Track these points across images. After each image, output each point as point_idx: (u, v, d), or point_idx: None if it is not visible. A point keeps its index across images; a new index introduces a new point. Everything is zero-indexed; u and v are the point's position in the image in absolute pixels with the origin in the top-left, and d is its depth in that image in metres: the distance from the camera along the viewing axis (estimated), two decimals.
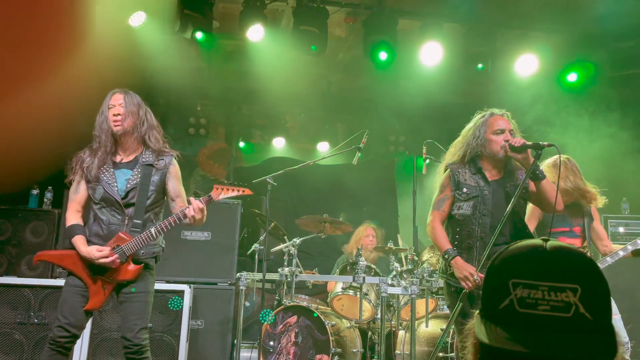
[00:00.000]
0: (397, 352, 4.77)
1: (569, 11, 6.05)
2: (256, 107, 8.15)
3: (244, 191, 3.10)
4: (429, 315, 4.63)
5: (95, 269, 3.20)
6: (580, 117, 6.03)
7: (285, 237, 5.39)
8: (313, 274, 5.60)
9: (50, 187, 5.30)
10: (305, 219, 5.46)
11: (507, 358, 0.88)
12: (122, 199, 3.24)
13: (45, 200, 5.28)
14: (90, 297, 3.20)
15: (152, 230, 3.18)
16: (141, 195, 3.24)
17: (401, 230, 7.76)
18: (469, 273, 3.08)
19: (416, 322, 4.52)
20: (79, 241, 3.21)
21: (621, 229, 5.46)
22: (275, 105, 7.85)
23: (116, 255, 3.14)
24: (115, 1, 5.41)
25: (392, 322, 5.00)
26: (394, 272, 4.83)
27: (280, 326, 4.71)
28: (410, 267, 4.89)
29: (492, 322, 0.93)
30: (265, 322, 4.61)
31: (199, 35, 5.66)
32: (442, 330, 4.59)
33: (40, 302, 4.57)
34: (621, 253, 3.88)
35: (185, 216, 3.18)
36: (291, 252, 5.06)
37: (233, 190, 3.07)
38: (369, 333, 5.04)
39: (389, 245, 5.23)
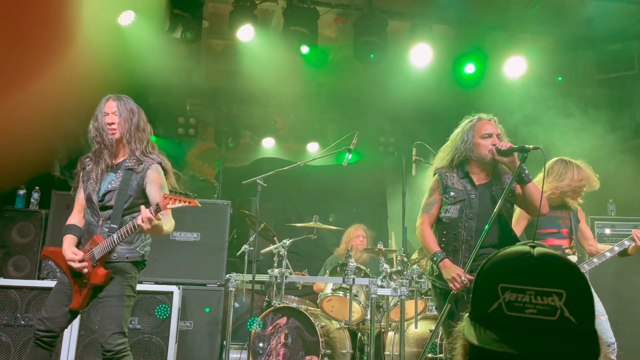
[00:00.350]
0: (387, 353, 4.78)
1: (558, 14, 6.11)
2: (246, 107, 8.13)
3: (190, 202, 3.08)
4: (418, 317, 4.65)
5: (74, 270, 3.24)
6: (568, 119, 6.08)
7: (275, 238, 5.39)
8: (303, 275, 5.60)
9: (37, 188, 5.25)
10: (295, 225, 5.46)
11: (496, 359, 0.91)
12: (99, 201, 3.29)
13: (32, 200, 5.23)
14: (72, 296, 3.24)
15: (115, 236, 3.18)
16: (119, 199, 3.27)
17: (390, 231, 7.78)
18: (457, 274, 3.12)
19: (405, 323, 4.54)
20: (65, 241, 3.30)
21: (607, 231, 5.51)
22: (265, 106, 7.84)
23: (84, 264, 3.17)
24: (104, 0, 5.38)
25: (382, 323, 5.01)
26: (384, 274, 4.85)
27: (270, 327, 4.71)
28: (399, 268, 4.90)
29: (482, 325, 0.97)
30: (254, 330, 4.61)
31: (188, 35, 5.63)
32: (431, 331, 4.62)
33: (27, 303, 4.53)
34: (608, 254, 3.93)
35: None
36: (281, 253, 5.06)
37: (181, 200, 3.05)
38: (359, 334, 5.05)
39: (378, 246, 5.24)
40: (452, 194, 3.36)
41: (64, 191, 5.02)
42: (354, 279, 4.55)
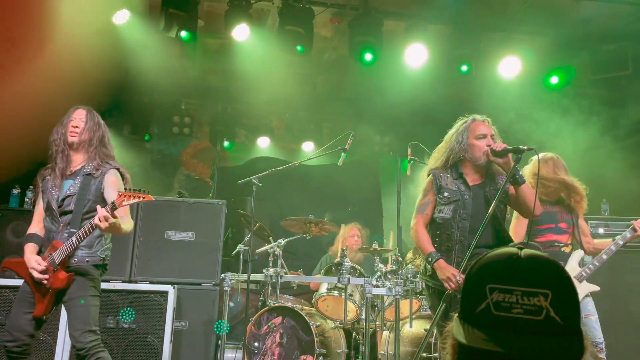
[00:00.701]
0: (381, 352, 4.80)
1: (552, 14, 6.13)
2: (241, 106, 8.12)
3: (144, 197, 3.12)
4: (413, 316, 4.66)
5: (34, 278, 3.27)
6: (562, 119, 6.12)
7: (271, 237, 5.39)
8: (298, 274, 5.60)
9: (31, 187, 5.23)
10: (290, 220, 5.45)
11: (483, 357, 0.94)
12: (58, 207, 3.33)
13: (26, 199, 5.22)
14: (36, 304, 3.26)
15: (73, 238, 3.21)
16: (78, 204, 3.31)
17: (385, 231, 7.79)
18: (452, 274, 3.14)
19: (400, 322, 4.55)
20: (27, 249, 3.35)
21: (601, 230, 5.53)
22: (260, 105, 7.83)
23: (45, 275, 3.20)
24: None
25: (377, 323, 5.03)
26: (379, 273, 4.86)
27: (265, 327, 4.71)
28: (394, 267, 4.92)
29: (470, 324, 0.99)
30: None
31: (183, 34, 5.62)
32: (425, 330, 4.63)
33: None
34: (613, 248, 4.01)
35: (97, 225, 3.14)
36: (276, 252, 5.06)
37: (135, 197, 3.08)
38: (354, 333, 5.05)
39: (373, 246, 5.25)
40: (445, 194, 3.39)
41: None
42: (349, 279, 4.57)
